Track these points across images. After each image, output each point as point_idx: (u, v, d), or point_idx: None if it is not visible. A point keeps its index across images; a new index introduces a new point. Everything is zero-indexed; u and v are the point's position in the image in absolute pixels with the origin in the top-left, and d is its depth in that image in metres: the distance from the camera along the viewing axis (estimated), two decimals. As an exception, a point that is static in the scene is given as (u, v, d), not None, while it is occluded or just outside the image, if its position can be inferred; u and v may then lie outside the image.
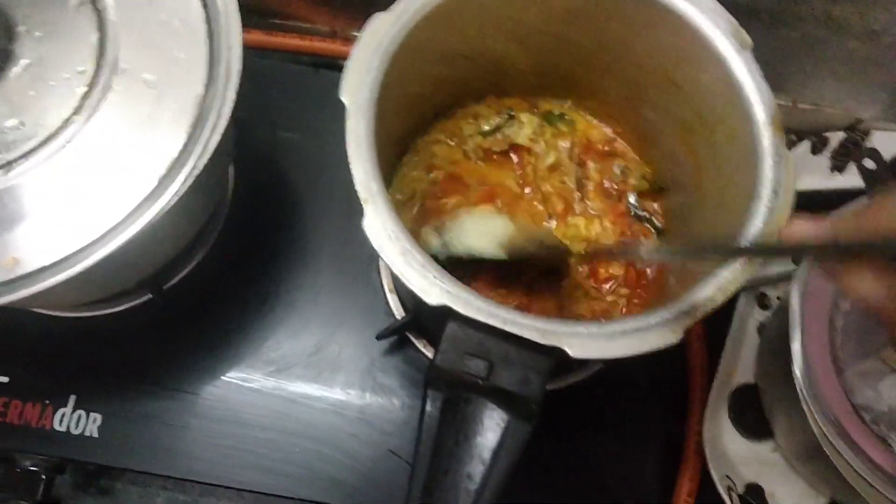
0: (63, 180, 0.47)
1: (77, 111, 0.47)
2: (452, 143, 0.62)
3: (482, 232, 0.51)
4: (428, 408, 0.42)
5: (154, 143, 0.48)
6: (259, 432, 0.64)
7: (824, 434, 0.53)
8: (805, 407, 0.54)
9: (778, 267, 0.69)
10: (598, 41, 0.53)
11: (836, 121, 0.72)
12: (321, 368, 0.66)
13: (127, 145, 0.48)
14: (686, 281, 0.45)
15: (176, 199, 0.47)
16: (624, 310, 0.58)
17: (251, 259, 0.69)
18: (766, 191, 0.44)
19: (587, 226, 0.60)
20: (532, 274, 0.57)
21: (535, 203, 0.61)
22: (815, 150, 0.71)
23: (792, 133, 0.66)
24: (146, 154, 0.48)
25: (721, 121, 0.49)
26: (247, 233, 0.70)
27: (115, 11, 0.50)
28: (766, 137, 0.45)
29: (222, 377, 0.65)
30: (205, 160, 0.48)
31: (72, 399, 0.63)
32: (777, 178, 0.44)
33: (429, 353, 0.64)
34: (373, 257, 0.69)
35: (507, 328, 0.40)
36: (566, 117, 0.61)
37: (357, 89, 0.46)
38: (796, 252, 0.50)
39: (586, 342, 0.40)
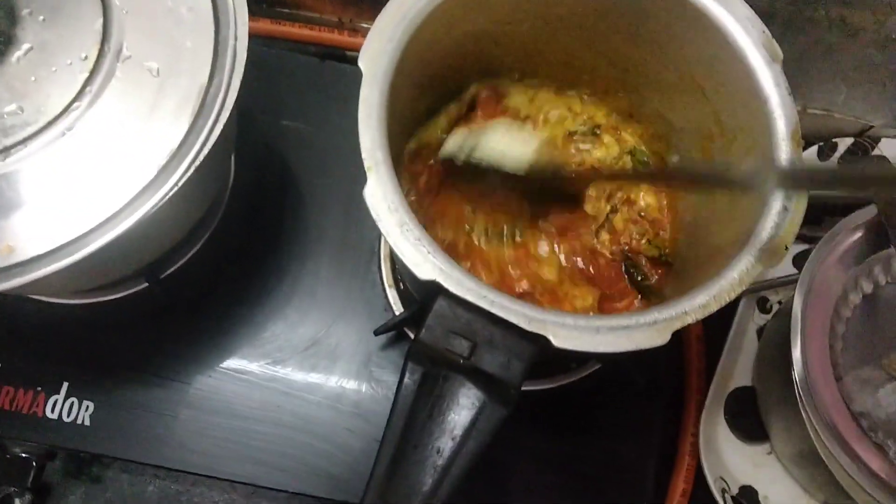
0: (62, 168, 0.46)
1: (78, 98, 0.47)
2: None
3: (512, 137, 0.51)
4: (406, 380, 0.42)
5: (155, 132, 0.47)
6: (253, 424, 0.63)
7: (821, 439, 0.53)
8: (803, 412, 0.54)
9: (780, 272, 0.69)
10: (629, 40, 0.53)
11: (846, 127, 0.72)
12: (317, 362, 0.65)
13: (128, 134, 0.47)
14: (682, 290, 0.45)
15: (175, 189, 0.46)
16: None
17: (249, 250, 0.68)
18: (776, 206, 0.44)
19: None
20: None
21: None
22: (823, 155, 0.71)
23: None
24: (147, 143, 0.47)
25: (742, 131, 0.49)
26: (246, 223, 0.69)
27: (121, -3, 0.49)
28: (784, 151, 0.45)
29: (217, 368, 0.65)
30: (206, 151, 0.47)
31: (64, 386, 0.63)
32: (789, 194, 0.44)
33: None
34: (373, 251, 0.69)
35: (495, 311, 0.40)
36: (646, 160, 0.61)
37: (376, 57, 0.45)
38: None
39: (572, 333, 0.40)
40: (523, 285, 0.54)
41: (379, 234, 0.69)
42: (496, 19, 0.54)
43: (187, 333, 0.65)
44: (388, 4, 0.47)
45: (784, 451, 0.65)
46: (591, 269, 0.56)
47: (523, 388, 0.41)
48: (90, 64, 0.47)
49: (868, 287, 0.57)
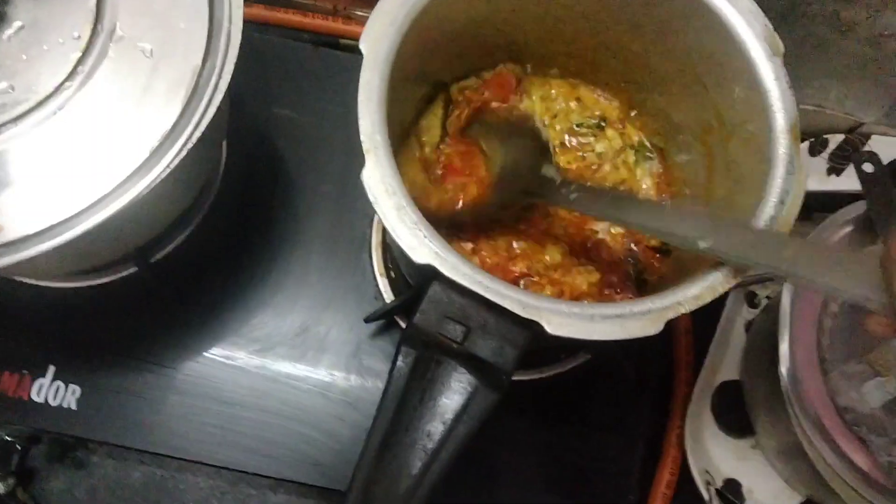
0: (53, 147, 0.46)
1: (70, 77, 0.46)
2: None
3: None
4: (399, 363, 0.42)
5: (147, 113, 0.47)
6: (240, 411, 0.63)
7: (806, 433, 0.54)
8: (789, 406, 0.55)
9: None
10: (632, 31, 0.53)
11: (837, 123, 0.72)
12: (307, 349, 0.65)
13: (119, 115, 0.47)
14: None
15: (167, 172, 0.46)
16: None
17: (240, 236, 0.68)
18: (772, 199, 0.44)
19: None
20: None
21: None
22: (814, 151, 0.71)
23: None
24: (139, 125, 0.47)
25: (741, 124, 0.49)
26: (237, 209, 0.69)
27: (114, -24, 0.48)
28: (783, 146, 0.45)
29: (205, 353, 0.65)
30: (198, 134, 0.47)
31: (51, 370, 0.62)
32: (786, 188, 0.44)
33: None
34: (364, 239, 0.68)
35: (489, 296, 0.40)
36: (651, 155, 0.60)
37: (378, 40, 0.45)
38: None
39: (565, 320, 0.40)
40: (521, 267, 0.54)
41: (370, 222, 0.69)
42: (498, 6, 0.53)
43: (176, 319, 0.65)
44: None
45: (769, 445, 0.66)
46: (595, 252, 0.56)
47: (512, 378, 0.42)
48: (83, 43, 0.47)
49: (856, 283, 0.57)
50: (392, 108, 0.44)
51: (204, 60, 0.48)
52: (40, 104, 0.46)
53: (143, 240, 0.59)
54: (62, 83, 0.46)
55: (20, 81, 0.46)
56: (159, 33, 0.48)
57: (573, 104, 0.60)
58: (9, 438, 0.61)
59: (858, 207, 0.59)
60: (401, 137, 0.56)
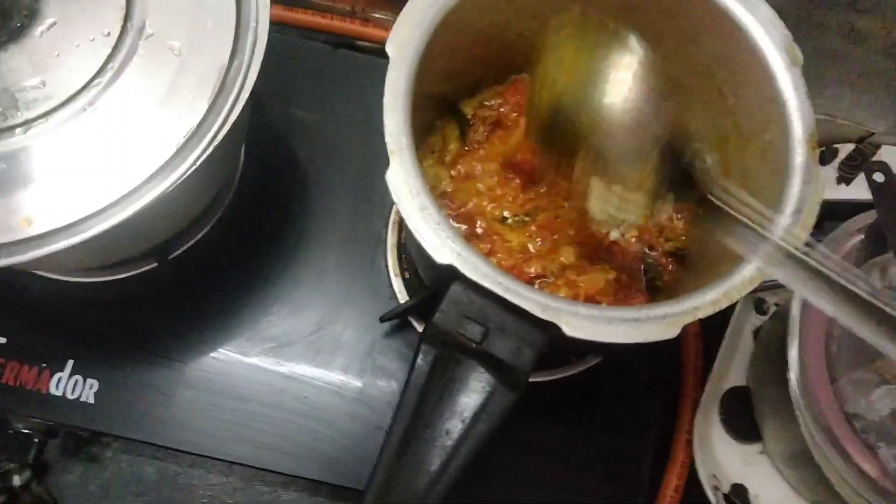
0: (81, 143, 0.46)
1: (100, 74, 0.47)
2: None
3: None
4: (419, 361, 0.43)
5: (174, 111, 0.48)
6: (255, 407, 0.63)
7: (814, 440, 0.54)
8: (798, 412, 0.55)
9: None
10: (652, 39, 0.53)
11: (848, 133, 0.72)
12: (321, 347, 0.66)
13: (147, 111, 0.48)
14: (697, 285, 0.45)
15: (193, 169, 0.47)
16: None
17: (257, 234, 0.69)
18: (789, 209, 0.44)
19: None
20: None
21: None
22: (824, 160, 0.72)
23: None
24: (166, 121, 0.47)
25: (758, 134, 0.49)
26: (255, 207, 0.69)
27: (145, -26, 0.49)
28: (800, 155, 0.45)
29: (221, 350, 0.65)
30: (224, 131, 0.48)
31: (69, 364, 0.63)
32: (803, 197, 0.44)
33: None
34: (380, 240, 0.69)
35: (509, 297, 0.40)
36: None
37: (405, 42, 0.45)
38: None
39: (584, 323, 0.40)
40: (536, 268, 0.54)
41: (386, 223, 0.69)
42: (522, 10, 0.54)
43: (193, 315, 0.66)
44: None
45: (776, 451, 0.66)
46: (608, 254, 0.56)
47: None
48: (113, 40, 0.48)
49: (864, 291, 0.58)
50: (415, 111, 0.45)
51: (231, 59, 0.49)
52: (70, 100, 0.46)
53: (166, 235, 0.60)
54: (92, 79, 0.47)
55: (51, 77, 0.47)
56: (187, 32, 0.49)
57: None
58: (26, 431, 0.61)
59: (868, 217, 0.59)
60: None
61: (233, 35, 0.49)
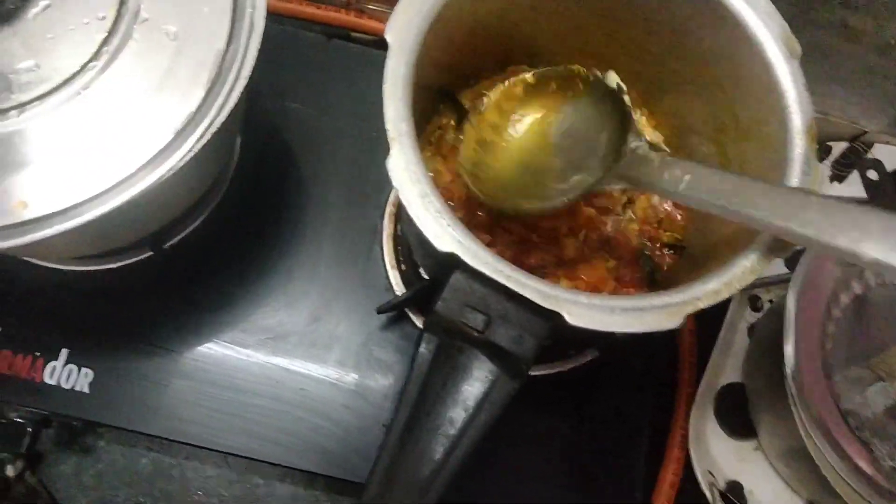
0: (77, 127, 0.46)
1: (95, 58, 0.47)
2: None
3: None
4: (422, 349, 0.43)
5: (171, 96, 0.47)
6: (250, 398, 0.63)
7: (810, 436, 0.54)
8: (793, 408, 0.55)
9: (772, 271, 0.70)
10: (649, 31, 0.53)
11: (841, 131, 0.73)
12: (317, 339, 0.65)
13: (143, 97, 0.47)
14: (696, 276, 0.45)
15: (190, 155, 0.46)
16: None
17: (253, 224, 0.68)
18: None
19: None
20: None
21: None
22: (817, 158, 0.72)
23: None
24: (162, 107, 0.47)
25: (756, 125, 0.49)
26: (249, 199, 0.69)
27: (141, -43, 0.49)
28: (799, 146, 0.45)
29: (216, 340, 0.65)
30: (222, 118, 0.47)
31: (64, 353, 0.62)
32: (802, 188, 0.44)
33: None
34: (376, 231, 0.69)
35: (511, 285, 0.40)
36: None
37: (404, 29, 0.45)
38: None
39: (585, 312, 0.40)
40: (535, 260, 0.54)
41: (382, 214, 0.69)
42: (519, 2, 0.54)
43: (189, 305, 0.65)
44: None
45: (771, 448, 0.66)
46: (607, 247, 0.56)
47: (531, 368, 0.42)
48: (108, 24, 0.47)
49: (858, 288, 0.58)
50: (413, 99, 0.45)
51: (227, 44, 0.49)
52: (65, 83, 0.46)
53: (160, 224, 0.59)
54: (87, 63, 0.46)
55: (45, 60, 0.46)
56: (183, 16, 0.49)
57: None
58: (20, 420, 0.61)
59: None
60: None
61: (229, 20, 0.49)
